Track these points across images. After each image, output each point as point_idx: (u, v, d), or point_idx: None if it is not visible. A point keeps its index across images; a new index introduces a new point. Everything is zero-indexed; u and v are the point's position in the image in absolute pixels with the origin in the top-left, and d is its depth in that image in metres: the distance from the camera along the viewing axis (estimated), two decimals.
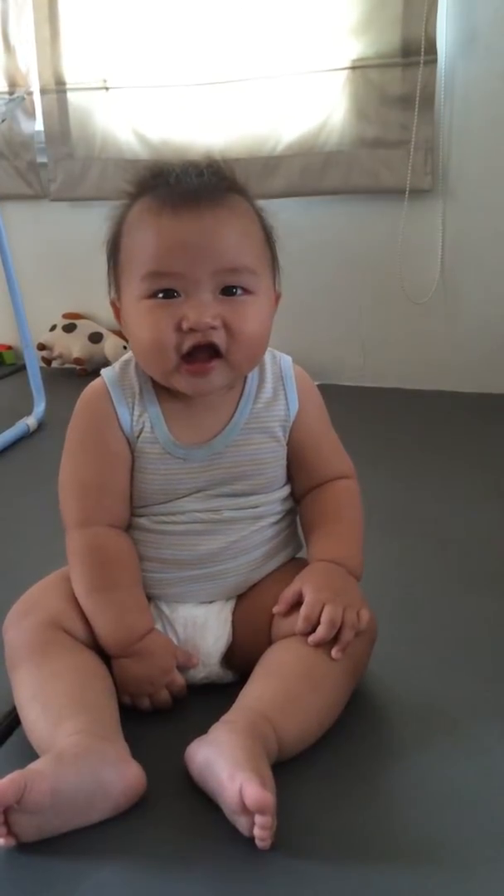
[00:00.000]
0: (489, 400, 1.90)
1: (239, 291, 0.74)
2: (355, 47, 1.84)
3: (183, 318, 0.73)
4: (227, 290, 0.74)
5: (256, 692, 0.73)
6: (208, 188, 0.74)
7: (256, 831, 0.61)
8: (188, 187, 0.74)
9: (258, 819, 0.61)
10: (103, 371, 0.83)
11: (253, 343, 0.76)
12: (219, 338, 0.74)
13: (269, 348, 0.85)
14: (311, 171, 1.93)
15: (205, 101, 1.98)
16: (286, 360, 0.85)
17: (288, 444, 0.84)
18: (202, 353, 0.74)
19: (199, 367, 0.75)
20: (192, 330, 0.73)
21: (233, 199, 0.75)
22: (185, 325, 0.73)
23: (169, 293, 0.74)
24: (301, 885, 0.61)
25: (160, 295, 0.74)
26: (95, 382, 0.83)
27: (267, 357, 0.84)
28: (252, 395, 0.82)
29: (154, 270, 0.73)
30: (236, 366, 0.76)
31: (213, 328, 0.73)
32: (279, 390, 0.83)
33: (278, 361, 0.85)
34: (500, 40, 1.78)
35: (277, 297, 0.82)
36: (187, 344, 0.73)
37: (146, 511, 0.81)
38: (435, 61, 1.79)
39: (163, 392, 0.80)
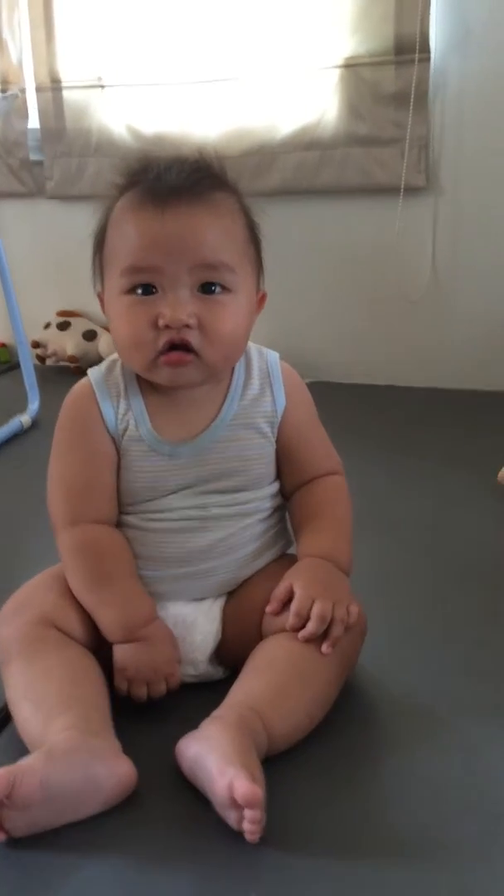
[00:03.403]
0: (480, 397, 1.90)
1: (217, 289, 0.75)
2: (348, 45, 1.84)
3: (159, 315, 0.73)
4: (206, 288, 0.74)
5: (246, 687, 0.73)
6: (190, 184, 0.74)
7: (245, 825, 0.62)
8: (170, 183, 0.74)
9: (247, 813, 0.61)
10: (90, 370, 0.84)
11: (227, 343, 0.77)
12: (193, 337, 0.74)
13: (256, 345, 0.85)
14: (304, 169, 1.93)
15: (199, 98, 1.98)
16: (273, 356, 0.86)
17: (276, 441, 0.84)
18: (178, 348, 0.75)
19: (176, 356, 0.75)
20: (167, 327, 0.73)
21: (215, 196, 0.76)
22: (161, 323, 0.73)
23: (147, 289, 0.74)
24: (291, 879, 0.61)
25: (139, 290, 0.74)
26: (81, 381, 0.83)
27: (253, 353, 0.84)
28: (238, 391, 0.83)
29: (132, 265, 0.74)
30: (210, 365, 0.77)
31: (188, 326, 0.73)
32: (266, 386, 0.83)
33: (265, 357, 0.85)
34: (492, 38, 1.78)
35: (263, 297, 0.82)
36: (162, 341, 0.74)
37: (134, 509, 0.82)
38: (428, 59, 1.79)
39: (148, 389, 0.81)
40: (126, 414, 0.80)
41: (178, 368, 0.76)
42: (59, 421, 0.83)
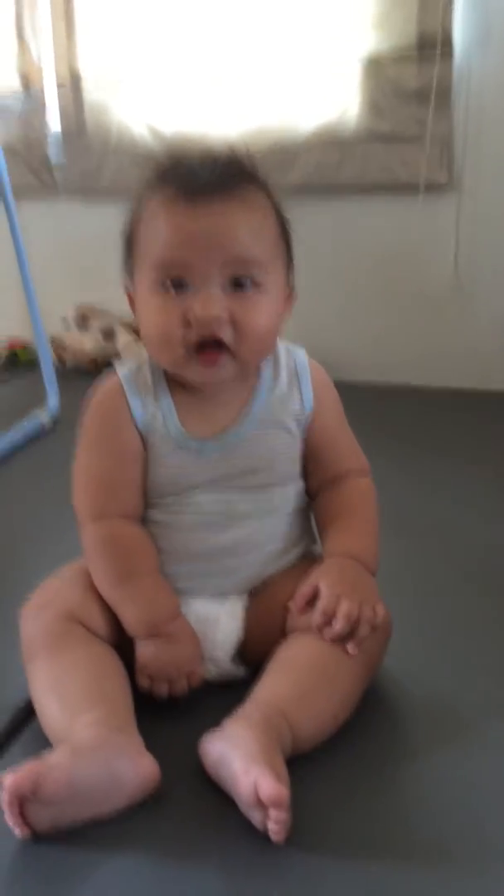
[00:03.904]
0: (502, 398, 1.89)
1: (248, 285, 0.74)
2: (371, 41, 1.84)
3: (189, 310, 0.73)
4: (237, 285, 0.74)
5: (271, 687, 0.73)
6: (222, 180, 0.74)
7: (270, 825, 0.61)
8: (202, 179, 0.74)
9: (272, 813, 0.61)
10: (117, 366, 0.83)
11: (260, 339, 0.76)
12: (225, 333, 0.74)
13: (284, 342, 0.85)
14: (326, 166, 1.93)
15: (220, 95, 1.98)
16: (301, 354, 0.85)
17: (303, 439, 0.84)
18: (210, 346, 0.74)
19: (208, 356, 0.75)
20: (198, 323, 0.73)
21: (247, 192, 0.75)
22: (191, 318, 0.73)
23: (178, 284, 0.74)
24: (315, 879, 0.61)
25: (169, 286, 0.74)
26: (109, 377, 0.83)
27: (281, 351, 0.84)
28: (266, 388, 0.82)
29: (163, 261, 0.74)
30: (243, 361, 0.76)
31: (220, 322, 0.73)
32: (294, 385, 0.83)
33: (293, 356, 0.84)
34: None
35: (292, 294, 0.82)
36: (193, 337, 0.74)
37: (159, 504, 0.81)
38: (451, 55, 1.78)
39: (176, 385, 0.80)
40: (154, 410, 0.80)
41: (207, 368, 0.75)
42: (86, 415, 0.83)
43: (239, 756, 0.64)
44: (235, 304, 0.74)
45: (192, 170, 0.75)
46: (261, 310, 0.75)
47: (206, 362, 0.75)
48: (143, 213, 0.77)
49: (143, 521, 0.82)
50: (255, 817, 0.63)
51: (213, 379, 0.77)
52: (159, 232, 0.74)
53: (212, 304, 0.73)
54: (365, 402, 1.81)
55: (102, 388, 0.83)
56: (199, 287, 0.73)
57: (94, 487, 0.81)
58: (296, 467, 0.84)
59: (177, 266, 0.73)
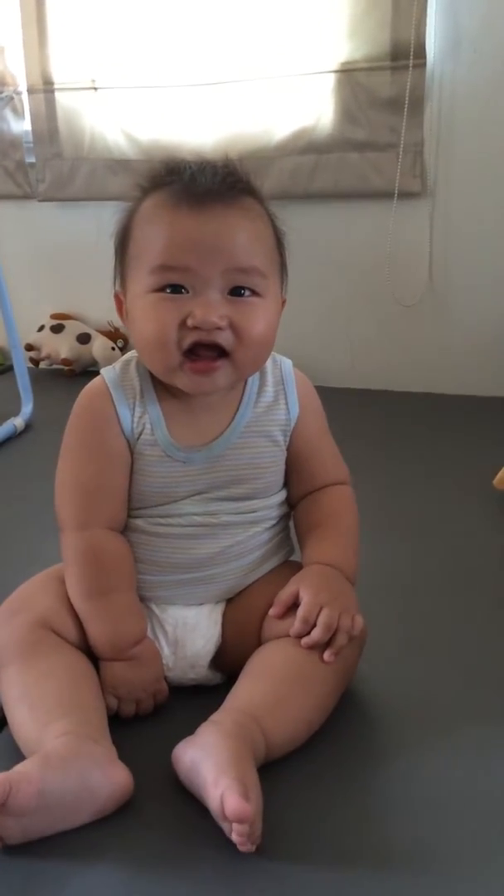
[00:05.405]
0: (477, 402, 1.91)
1: (247, 293, 0.74)
2: (345, 50, 1.85)
3: (189, 314, 0.72)
4: (236, 291, 0.73)
5: (245, 694, 0.73)
6: (224, 188, 0.73)
7: (235, 838, 0.61)
8: (204, 185, 0.73)
9: (236, 828, 0.60)
10: (103, 370, 0.82)
11: (259, 345, 0.75)
12: (224, 339, 0.73)
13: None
14: (300, 174, 1.93)
15: (194, 102, 1.98)
16: (287, 363, 0.85)
17: (287, 449, 0.83)
18: (206, 352, 0.73)
19: (203, 365, 0.74)
20: (196, 328, 0.72)
21: (247, 201, 0.75)
22: (190, 323, 0.72)
23: (177, 289, 0.73)
24: (288, 887, 0.60)
25: (168, 290, 0.73)
26: (96, 382, 0.81)
27: (268, 360, 0.83)
28: (253, 398, 0.82)
29: (164, 264, 0.72)
30: (241, 367, 0.75)
31: (219, 328, 0.72)
32: (280, 394, 0.83)
33: (279, 365, 0.84)
34: (487, 44, 1.79)
35: (283, 303, 0.81)
36: (188, 340, 0.72)
37: (143, 513, 0.80)
38: (424, 65, 1.80)
39: (164, 393, 0.79)
40: (142, 417, 0.79)
41: (203, 377, 0.74)
42: (72, 420, 0.81)
43: (210, 765, 0.64)
44: (235, 310, 0.73)
45: (195, 175, 0.74)
46: (259, 316, 0.74)
47: (199, 371, 0.74)
48: (138, 216, 0.76)
49: (126, 529, 0.81)
50: (227, 827, 0.63)
51: (207, 388, 0.75)
52: (160, 235, 0.73)
53: (211, 310, 0.71)
54: (340, 407, 1.82)
55: (89, 392, 0.81)
56: (198, 292, 0.72)
57: (79, 494, 0.79)
58: (279, 477, 0.84)
59: (177, 270, 0.72)
